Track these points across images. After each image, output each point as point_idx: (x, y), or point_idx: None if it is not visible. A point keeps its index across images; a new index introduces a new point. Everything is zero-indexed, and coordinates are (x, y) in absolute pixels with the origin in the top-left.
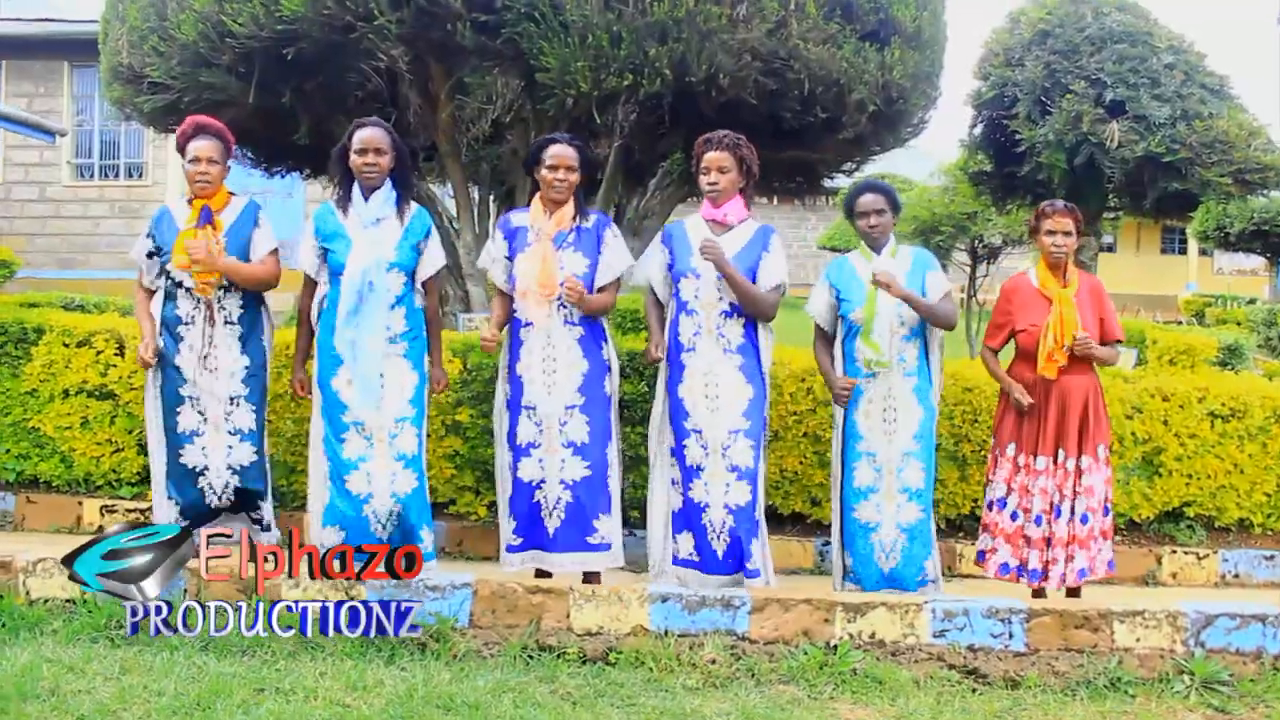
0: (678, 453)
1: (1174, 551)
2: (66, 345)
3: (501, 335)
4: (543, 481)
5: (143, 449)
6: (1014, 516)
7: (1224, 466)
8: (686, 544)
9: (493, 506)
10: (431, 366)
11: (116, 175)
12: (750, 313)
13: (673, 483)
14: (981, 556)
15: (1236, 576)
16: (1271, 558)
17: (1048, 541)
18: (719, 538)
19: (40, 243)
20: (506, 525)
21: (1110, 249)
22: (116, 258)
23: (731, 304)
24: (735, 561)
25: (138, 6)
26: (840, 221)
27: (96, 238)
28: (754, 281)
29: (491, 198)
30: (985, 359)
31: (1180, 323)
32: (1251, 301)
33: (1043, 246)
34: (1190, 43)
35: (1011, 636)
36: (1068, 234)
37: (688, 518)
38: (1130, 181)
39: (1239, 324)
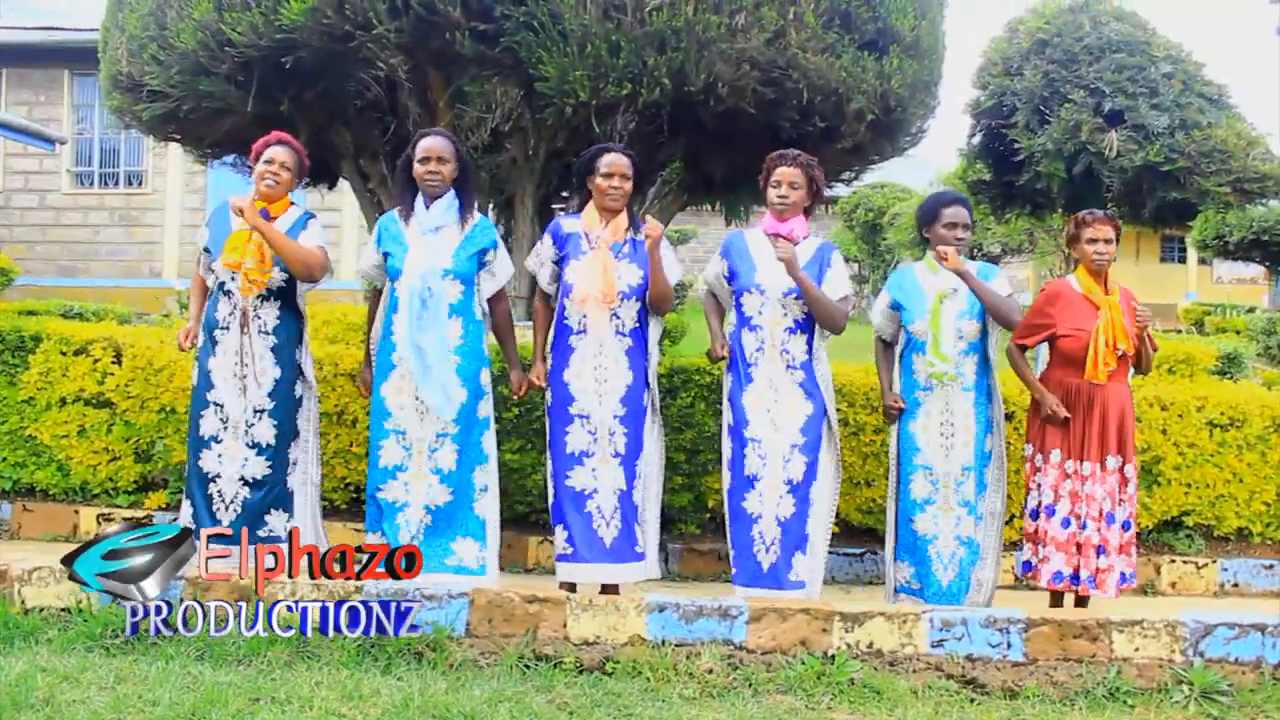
0: (735, 463)
1: (1173, 561)
2: (64, 353)
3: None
4: (595, 491)
5: (139, 457)
6: (1065, 524)
7: (1223, 476)
8: (733, 555)
9: None
10: (510, 369)
11: (116, 183)
12: (822, 322)
13: (728, 493)
14: (1028, 567)
15: (1235, 586)
16: (1270, 567)
17: (1098, 549)
18: (768, 551)
19: (40, 250)
20: (558, 534)
21: None
22: (116, 265)
23: (796, 320)
24: (780, 577)
25: (137, 15)
26: (839, 229)
27: (96, 246)
28: None
29: (491, 206)
30: (1013, 359)
31: (1179, 331)
32: (1251, 310)
33: (1084, 255)
34: (1188, 52)
35: (1010, 646)
36: (1109, 241)
37: (735, 529)
38: (1129, 190)
39: (1238, 332)
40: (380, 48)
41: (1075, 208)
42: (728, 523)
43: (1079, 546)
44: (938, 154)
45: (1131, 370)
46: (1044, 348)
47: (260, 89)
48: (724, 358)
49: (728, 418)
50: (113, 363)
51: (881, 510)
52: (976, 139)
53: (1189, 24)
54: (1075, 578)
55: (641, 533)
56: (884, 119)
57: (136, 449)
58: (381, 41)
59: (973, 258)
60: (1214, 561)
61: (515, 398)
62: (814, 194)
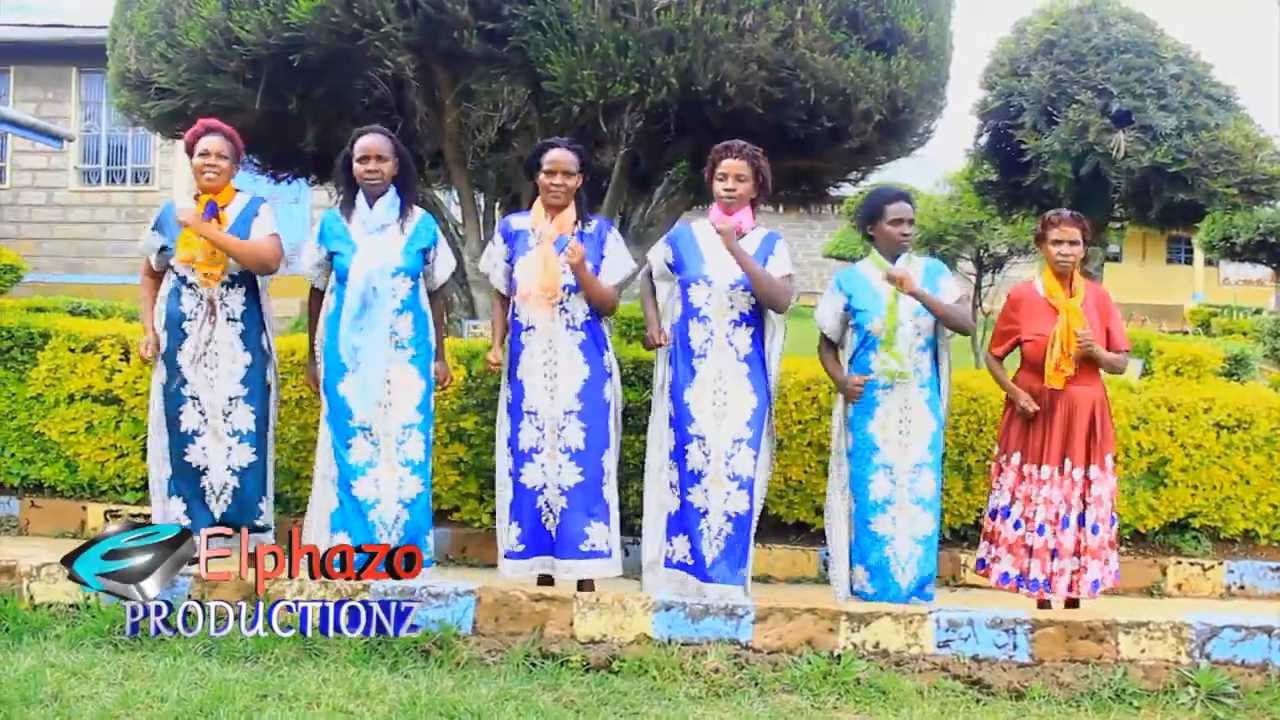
0: (678, 456)
1: (1179, 563)
2: (72, 350)
3: (504, 351)
4: (544, 487)
5: (147, 453)
6: (1016, 525)
7: (1229, 477)
8: (682, 547)
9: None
10: (436, 361)
11: (123, 180)
12: (764, 298)
13: (670, 485)
14: (982, 565)
15: (1242, 588)
16: (1277, 569)
17: (1053, 552)
18: (713, 544)
19: (47, 247)
20: (509, 531)
21: (1116, 259)
22: (123, 263)
23: (742, 313)
24: (728, 571)
25: (146, 13)
26: (845, 230)
27: (103, 243)
28: None
29: (497, 205)
30: (990, 366)
31: (1186, 333)
32: (1258, 312)
33: (1049, 256)
34: (1196, 53)
35: (1016, 647)
36: (1074, 243)
37: (684, 521)
38: (1136, 192)
39: (1245, 334)
40: (388, 46)
41: (1082, 208)
42: (659, 513)
43: (1029, 550)
44: (945, 154)
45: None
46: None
47: (268, 87)
48: (660, 345)
49: (668, 410)
50: (121, 359)
51: None
52: (983, 139)
53: (1197, 26)
54: (1022, 580)
55: (608, 529)
56: (891, 119)
57: (144, 445)
58: (389, 40)
59: (979, 259)
60: (1220, 563)
61: (440, 388)
62: (760, 186)
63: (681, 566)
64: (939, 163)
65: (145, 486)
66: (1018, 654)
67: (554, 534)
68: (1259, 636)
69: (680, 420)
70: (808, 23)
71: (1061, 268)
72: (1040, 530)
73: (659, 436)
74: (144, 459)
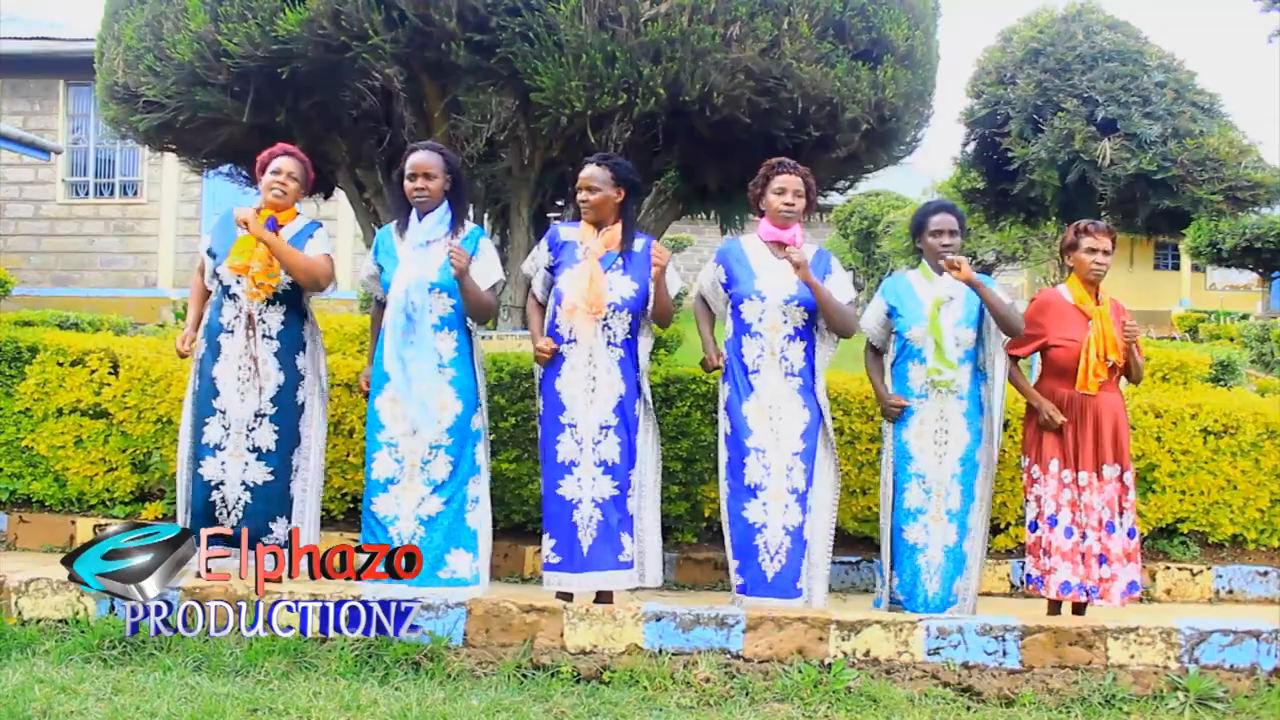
0: (735, 470)
1: (1168, 568)
2: (60, 364)
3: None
4: (580, 501)
5: (136, 467)
6: (1068, 533)
7: (1217, 483)
8: (734, 565)
9: None
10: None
11: (111, 193)
12: (834, 325)
13: (727, 501)
14: (1030, 579)
15: (1230, 592)
16: (1265, 573)
17: (1100, 558)
18: (773, 560)
19: (35, 260)
20: (545, 543)
21: None
22: (111, 275)
23: (795, 328)
24: (786, 584)
25: (133, 26)
26: (834, 238)
27: (91, 255)
28: None
29: (486, 215)
30: (1010, 372)
31: (1173, 338)
32: (1244, 317)
33: (1081, 264)
34: (1180, 61)
35: (1006, 654)
36: (1107, 253)
37: (736, 538)
38: (1122, 199)
39: (1232, 340)
40: (376, 58)
41: (1069, 216)
42: (726, 531)
43: (1083, 556)
44: (932, 162)
45: (1123, 380)
46: (1036, 357)
47: (256, 99)
48: (719, 367)
49: (725, 426)
50: (109, 373)
51: (877, 518)
52: (970, 147)
53: (1181, 34)
54: (1081, 587)
55: (632, 541)
56: (878, 128)
57: (133, 460)
58: (377, 52)
59: None
60: (1209, 568)
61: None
62: (809, 202)
63: (740, 588)
64: (927, 171)
65: (134, 500)
66: (1007, 660)
67: (586, 548)
68: (1247, 641)
69: (737, 434)
70: (794, 33)
71: (1095, 276)
72: (1085, 536)
73: (722, 453)
74: (133, 473)
